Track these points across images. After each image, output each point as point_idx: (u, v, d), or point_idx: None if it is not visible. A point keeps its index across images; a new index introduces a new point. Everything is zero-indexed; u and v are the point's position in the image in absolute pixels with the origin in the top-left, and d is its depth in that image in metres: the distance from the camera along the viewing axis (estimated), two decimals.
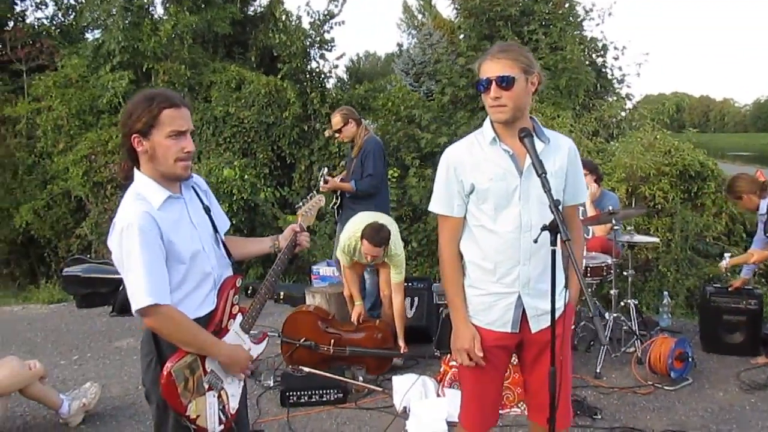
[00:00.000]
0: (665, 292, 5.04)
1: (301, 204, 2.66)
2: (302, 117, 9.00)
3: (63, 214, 8.89)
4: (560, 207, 2.02)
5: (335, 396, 3.95)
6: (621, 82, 9.96)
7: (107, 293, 6.88)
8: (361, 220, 4.54)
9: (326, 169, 5.54)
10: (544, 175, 2.03)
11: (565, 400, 2.38)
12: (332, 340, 4.26)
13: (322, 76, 9.31)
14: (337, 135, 5.35)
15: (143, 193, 2.09)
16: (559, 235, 1.98)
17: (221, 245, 2.31)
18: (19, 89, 10.06)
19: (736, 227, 7.32)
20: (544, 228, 2.01)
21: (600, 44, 9.70)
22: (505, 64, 2.19)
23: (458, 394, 3.80)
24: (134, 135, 2.07)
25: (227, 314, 2.26)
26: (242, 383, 2.35)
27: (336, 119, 5.25)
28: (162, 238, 2.03)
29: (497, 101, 2.21)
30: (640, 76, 10.23)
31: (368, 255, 4.35)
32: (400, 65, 16.00)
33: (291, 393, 3.91)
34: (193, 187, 2.28)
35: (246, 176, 8.07)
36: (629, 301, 4.67)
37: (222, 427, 2.21)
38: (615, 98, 9.81)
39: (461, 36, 10.89)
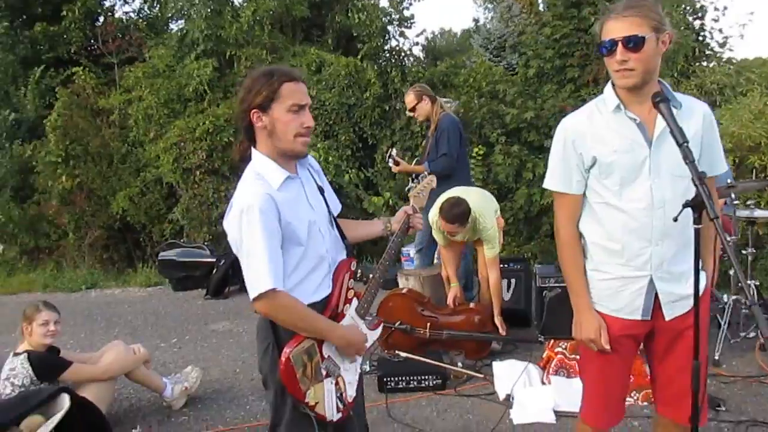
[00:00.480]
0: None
1: (412, 185, 2.56)
2: (383, 97, 8.89)
3: (156, 201, 9.15)
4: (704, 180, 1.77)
5: (434, 382, 3.85)
6: (723, 45, 9.26)
7: (201, 276, 7.06)
8: (447, 195, 4.38)
9: (394, 150, 5.38)
10: (686, 144, 1.79)
11: (702, 395, 2.16)
12: (428, 324, 4.14)
13: (402, 54, 9.14)
14: (411, 114, 5.14)
15: (262, 172, 2.04)
16: (705, 212, 1.75)
17: (336, 227, 2.25)
18: (111, 81, 10.41)
19: None
20: (687, 204, 1.78)
21: (698, 5, 9.05)
22: (633, 22, 1.95)
23: (564, 381, 3.66)
24: (254, 110, 2.03)
25: (343, 299, 2.19)
26: (359, 371, 2.28)
27: (409, 97, 5.09)
28: (280, 221, 1.97)
29: (624, 65, 1.97)
30: (744, 38, 9.51)
31: (448, 232, 4.20)
32: (479, 40, 15.61)
33: (389, 379, 3.83)
34: (307, 168, 2.22)
35: (330, 158, 8.07)
36: (750, 282, 4.29)
37: (340, 414, 2.15)
38: (716, 63, 9.14)
39: (543, 6, 10.45)
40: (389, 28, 9.23)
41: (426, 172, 4.83)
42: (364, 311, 2.26)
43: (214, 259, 7.09)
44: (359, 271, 2.19)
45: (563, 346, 3.73)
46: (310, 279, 2.09)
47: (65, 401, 3.03)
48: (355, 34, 9.64)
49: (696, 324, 1.88)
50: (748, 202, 4.34)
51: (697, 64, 8.88)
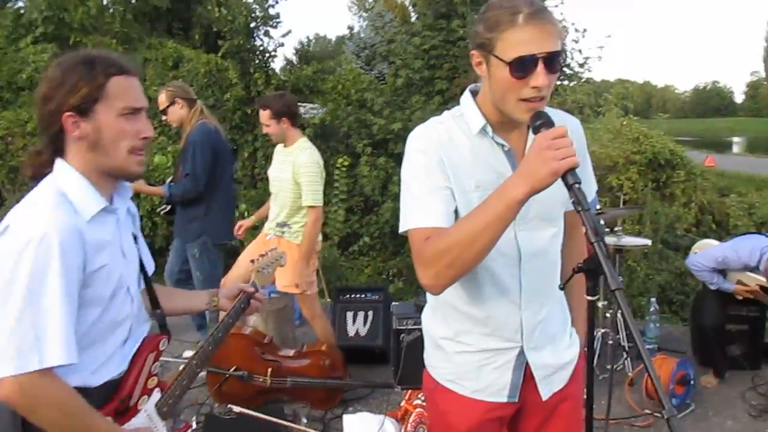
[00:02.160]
0: (653, 299, 4.52)
1: (258, 259, 2.01)
2: (245, 99, 8.29)
3: None
4: (602, 236, 1.28)
5: None
6: (582, 66, 9.51)
7: None
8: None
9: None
10: (577, 185, 1.29)
11: None
12: (270, 369, 3.52)
13: (267, 55, 8.56)
14: (164, 118, 4.16)
15: (70, 195, 1.44)
16: (601, 283, 1.33)
17: (147, 290, 1.68)
18: None
19: (705, 218, 6.98)
20: (579, 270, 1.35)
21: (560, 25, 9.21)
22: (551, 31, 1.41)
23: None
24: (68, 113, 1.41)
25: (140, 388, 1.58)
26: None
27: (161, 98, 4.10)
28: (84, 268, 1.38)
29: (540, 92, 1.40)
30: (602, 59, 9.91)
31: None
32: (351, 47, 15.38)
33: None
34: (126, 203, 1.63)
35: None
36: (616, 312, 4.11)
37: None
38: (576, 82, 9.38)
39: (415, 16, 10.31)
40: (253, 26, 8.57)
41: (166, 195, 4.08)
42: (167, 409, 1.65)
43: None
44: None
45: (422, 398, 3.29)
46: (95, 353, 1.47)
47: None
48: (216, 30, 8.95)
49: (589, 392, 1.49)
50: (616, 229, 4.18)
51: (558, 83, 9.03)
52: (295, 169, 3.68)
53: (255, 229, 4.56)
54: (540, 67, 1.38)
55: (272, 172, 3.94)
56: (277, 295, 4.25)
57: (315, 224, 3.73)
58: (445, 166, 1.51)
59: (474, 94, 1.60)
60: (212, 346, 1.80)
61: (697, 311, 4.30)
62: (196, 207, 4.06)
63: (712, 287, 4.02)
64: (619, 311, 4.00)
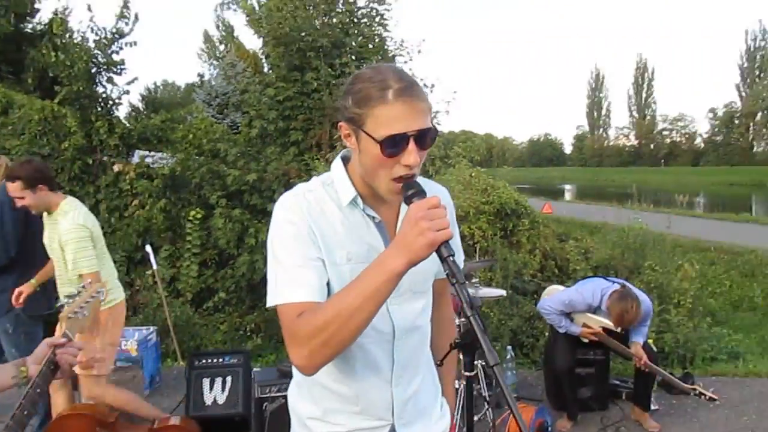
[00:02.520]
0: (509, 347, 4.71)
1: (66, 301, 1.68)
2: (86, 149, 7.74)
3: None
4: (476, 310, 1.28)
5: None
6: (432, 119, 9.93)
7: None
8: None
9: None
10: (452, 257, 1.28)
11: None
12: None
13: (110, 102, 8.09)
14: None
15: None
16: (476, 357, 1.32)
17: None
18: None
19: (548, 263, 7.43)
20: (456, 346, 1.33)
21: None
22: (423, 109, 1.38)
23: None
24: None
25: None
26: None
27: None
28: None
29: (412, 170, 1.38)
30: (449, 113, 10.39)
31: None
32: (202, 95, 15.01)
33: None
34: None
35: None
36: (476, 362, 4.21)
37: None
38: None
39: (267, 67, 10.29)
40: (94, 71, 8.08)
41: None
42: None
43: None
44: None
45: None
46: None
47: None
48: (54, 76, 8.33)
49: None
50: (474, 281, 4.33)
51: None
52: (60, 237, 3.37)
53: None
54: (411, 145, 1.35)
55: (45, 241, 3.59)
56: (124, 364, 3.90)
57: None
58: (316, 236, 1.44)
59: (345, 159, 1.55)
60: (15, 428, 1.47)
61: (549, 357, 4.55)
62: (5, 276, 3.66)
63: (561, 330, 4.28)
64: (479, 360, 4.13)
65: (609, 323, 4.15)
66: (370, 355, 1.52)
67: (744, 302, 9.43)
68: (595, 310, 4.25)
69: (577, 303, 4.26)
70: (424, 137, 1.37)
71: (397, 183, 1.38)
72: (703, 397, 4.21)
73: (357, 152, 1.44)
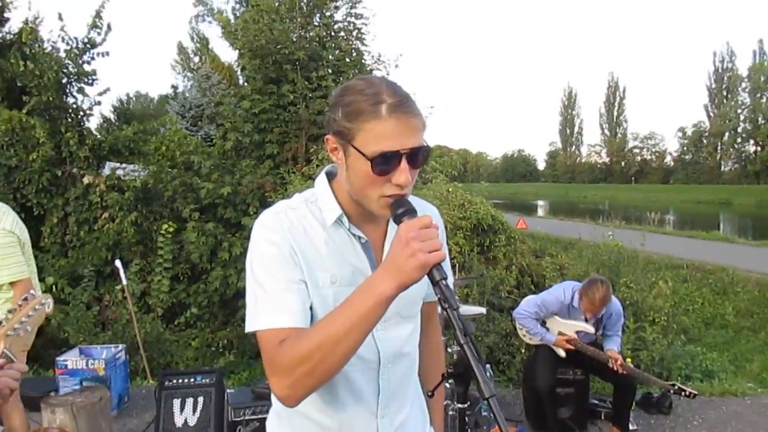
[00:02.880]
0: (487, 365, 4.65)
1: (6, 317, 1.50)
2: (55, 160, 7.56)
3: None
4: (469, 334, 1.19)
5: None
6: None
7: None
8: None
9: None
10: (444, 281, 1.19)
11: None
12: None
13: (81, 113, 7.92)
14: None
15: None
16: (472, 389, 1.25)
17: None
18: None
19: (524, 279, 7.44)
20: (449, 377, 1.25)
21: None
22: (416, 126, 1.29)
23: None
24: None
25: None
26: None
27: None
28: None
29: (403, 190, 1.30)
30: (426, 128, 10.40)
31: None
32: (176, 107, 14.85)
33: None
34: None
35: None
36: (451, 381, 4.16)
37: None
38: None
39: (243, 80, 10.21)
40: (65, 82, 7.91)
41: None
42: None
43: None
44: None
45: None
46: None
47: None
48: (23, 86, 8.13)
49: None
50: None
51: None
52: None
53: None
54: (404, 163, 1.26)
55: None
56: (91, 384, 3.75)
57: None
58: (298, 257, 1.34)
59: (330, 175, 1.46)
60: None
61: (529, 375, 4.50)
62: None
63: (536, 338, 4.27)
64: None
65: (583, 326, 4.20)
66: (354, 384, 1.41)
67: (716, 319, 9.55)
68: (569, 308, 4.27)
69: (550, 303, 4.31)
70: (417, 155, 1.29)
71: (387, 200, 1.30)
72: (683, 393, 4.21)
73: (344, 168, 1.35)
